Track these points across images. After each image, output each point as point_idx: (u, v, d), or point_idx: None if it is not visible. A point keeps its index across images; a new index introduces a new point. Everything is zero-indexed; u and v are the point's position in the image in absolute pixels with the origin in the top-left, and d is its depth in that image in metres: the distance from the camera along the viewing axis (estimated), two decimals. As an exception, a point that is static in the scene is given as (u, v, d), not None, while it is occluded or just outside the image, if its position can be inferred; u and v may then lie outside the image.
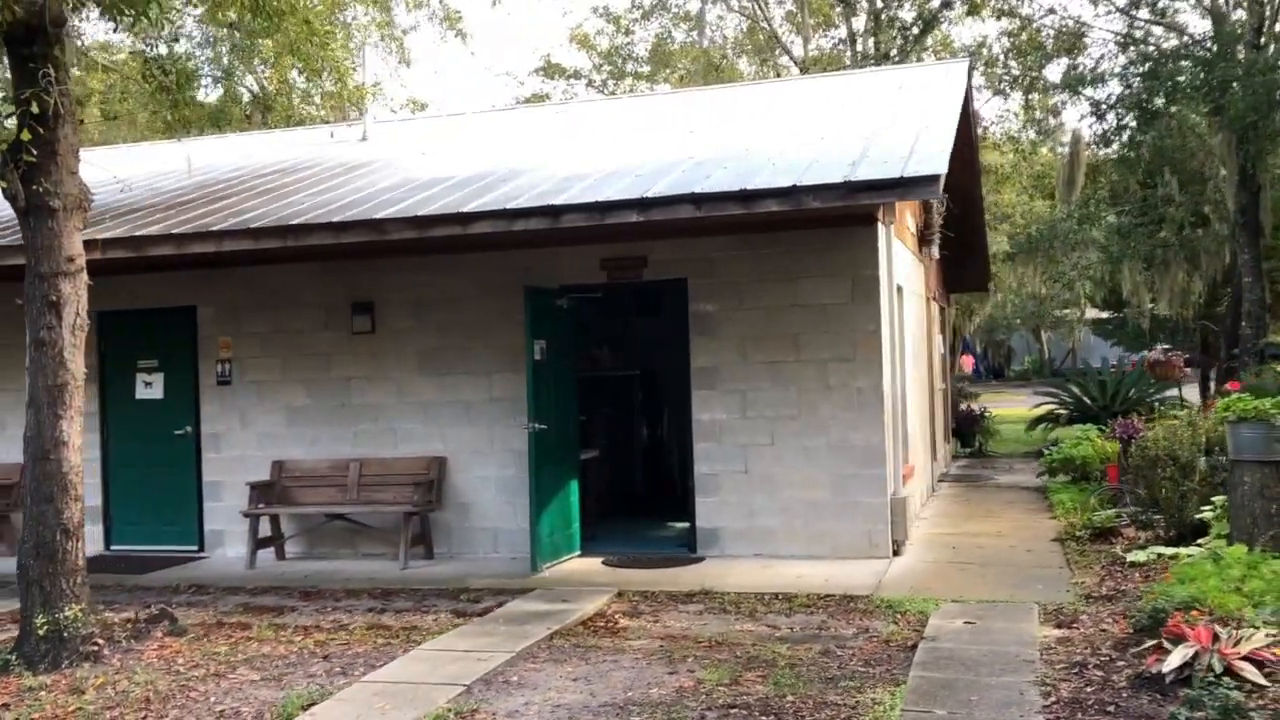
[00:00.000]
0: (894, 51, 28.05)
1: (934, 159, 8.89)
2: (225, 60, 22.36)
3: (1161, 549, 9.79)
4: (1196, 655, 6.52)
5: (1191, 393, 20.46)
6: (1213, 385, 22.43)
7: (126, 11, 8.83)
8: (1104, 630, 7.90)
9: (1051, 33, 24.90)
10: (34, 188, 8.03)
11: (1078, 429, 16.43)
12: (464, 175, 11.50)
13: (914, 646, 7.67)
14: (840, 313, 10.63)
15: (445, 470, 11.77)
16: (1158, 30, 23.64)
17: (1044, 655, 7.34)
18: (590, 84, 35.57)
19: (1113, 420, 13.30)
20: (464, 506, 11.73)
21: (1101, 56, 22.81)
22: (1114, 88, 21.64)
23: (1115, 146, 22.27)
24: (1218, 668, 6.31)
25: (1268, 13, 20.64)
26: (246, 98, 24.14)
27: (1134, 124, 21.12)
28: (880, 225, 10.39)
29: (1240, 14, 21.00)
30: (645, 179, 9.98)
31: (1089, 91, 22.17)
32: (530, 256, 11.36)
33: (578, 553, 11.27)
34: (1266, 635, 6.84)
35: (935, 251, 15.43)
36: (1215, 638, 6.65)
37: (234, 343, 12.52)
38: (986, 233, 20.17)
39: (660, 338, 12.24)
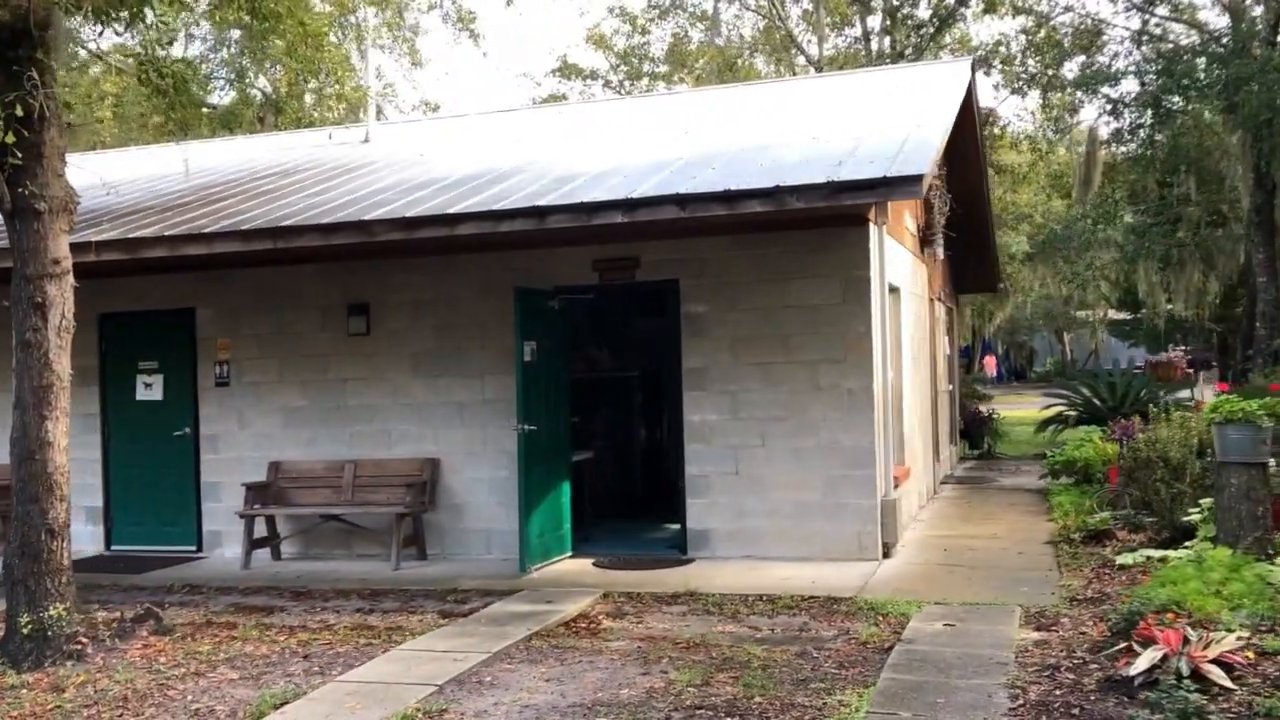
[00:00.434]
0: (909, 50, 27.94)
1: (919, 159, 8.87)
2: (239, 62, 22.49)
3: (1151, 551, 9.73)
4: (1165, 658, 6.49)
5: (1208, 394, 20.31)
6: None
7: (116, 15, 8.89)
8: (1083, 633, 7.86)
9: (1069, 31, 24.74)
10: (19, 190, 8.13)
11: (1083, 431, 16.31)
12: (458, 176, 11.55)
13: (890, 648, 7.66)
14: (831, 314, 10.61)
15: (439, 471, 11.82)
16: (1178, 27, 23.48)
17: (1019, 658, 7.31)
18: (607, 84, 35.62)
19: (1113, 422, 13.21)
20: (457, 508, 11.78)
21: (1115, 54, 22.69)
22: (1129, 85, 21.53)
23: (1130, 145, 22.12)
24: (1184, 671, 6.28)
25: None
26: (260, 100, 24.27)
27: (1149, 122, 20.95)
28: (872, 226, 10.35)
29: (1259, 10, 20.80)
30: (633, 180, 10.00)
31: (1105, 89, 22.01)
32: (524, 258, 11.41)
33: (569, 554, 11.30)
34: (1237, 638, 6.81)
35: (939, 252, 15.37)
36: (1185, 641, 6.62)
37: (232, 344, 12.62)
38: (994, 233, 20.06)
39: (661, 338, 12.25)
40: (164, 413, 12.96)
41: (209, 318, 12.72)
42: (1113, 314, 37.93)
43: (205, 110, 21.04)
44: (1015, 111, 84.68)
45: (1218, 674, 6.29)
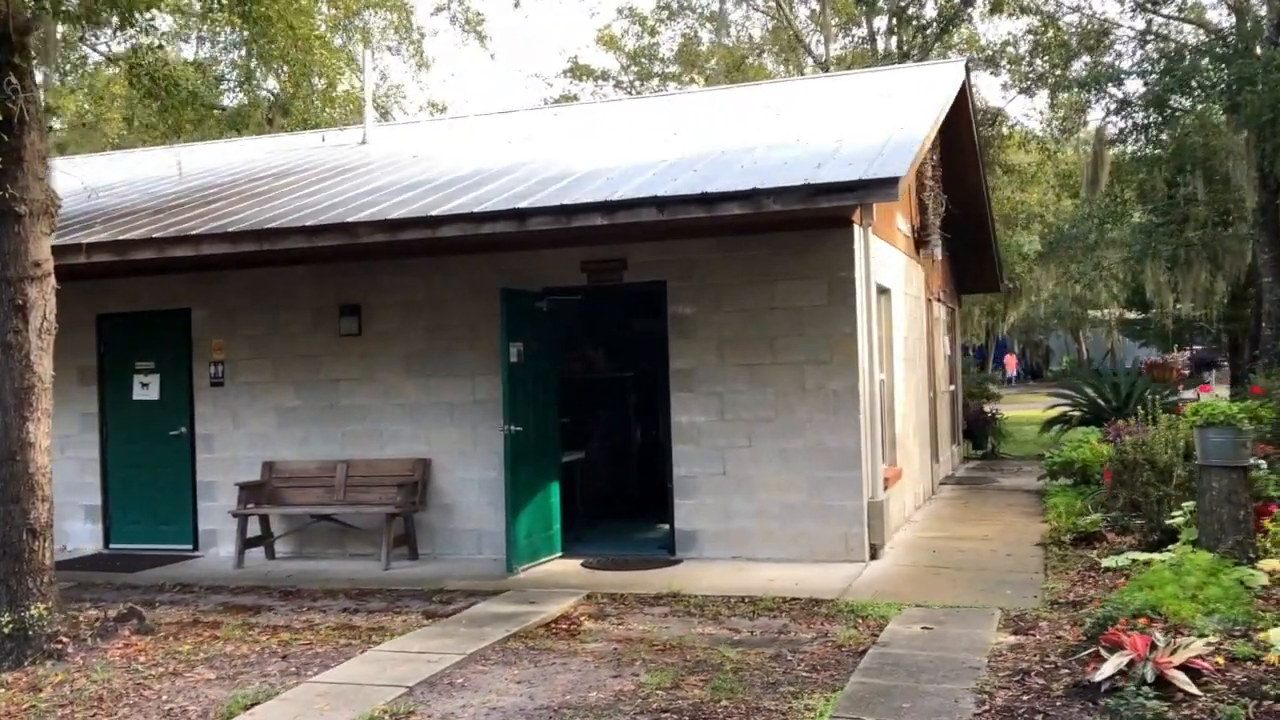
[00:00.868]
0: (914, 51, 27.86)
1: (897, 162, 8.86)
2: (246, 64, 22.58)
3: (1136, 554, 9.68)
4: (1131, 664, 6.47)
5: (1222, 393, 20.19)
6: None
7: (101, 19, 8.97)
8: (1059, 637, 7.83)
9: (1076, 31, 24.62)
10: (0, 194, 8.19)
11: (1080, 432, 16.24)
12: (449, 178, 11.60)
13: (864, 651, 7.66)
14: (816, 315, 10.61)
15: (430, 472, 11.86)
16: (1186, 27, 23.32)
17: (992, 662, 7.30)
18: (618, 85, 35.65)
19: (1108, 423, 13.14)
20: (448, 508, 11.82)
21: (1119, 54, 22.57)
22: (1132, 85, 21.41)
23: (1134, 145, 22.00)
24: (1149, 677, 6.26)
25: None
26: (268, 102, 24.37)
27: (1152, 121, 20.84)
28: (857, 227, 10.33)
29: (1263, 10, 20.64)
30: (616, 181, 10.03)
31: (1111, 89, 21.88)
32: (513, 259, 11.44)
33: (559, 554, 11.32)
34: (1206, 644, 6.78)
35: (937, 253, 15.34)
36: (1153, 646, 6.59)
37: (227, 345, 12.69)
38: (996, 233, 20.00)
39: (657, 339, 12.24)
40: (160, 412, 13.05)
41: (204, 318, 12.80)
42: (1124, 313, 37.72)
43: (216, 112, 21.18)
44: (1024, 111, 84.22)
45: (1182, 680, 6.26)
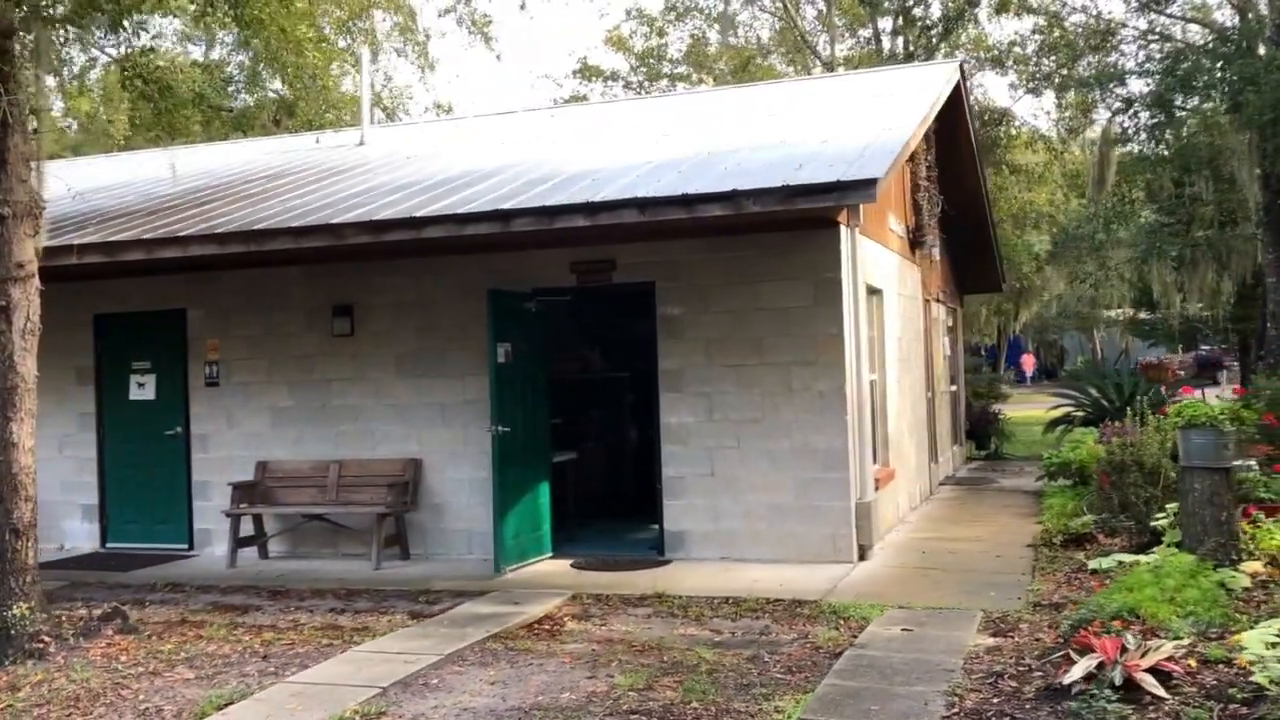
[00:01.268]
0: (919, 51, 27.80)
1: (876, 164, 8.85)
2: (252, 66, 22.72)
3: (1122, 556, 9.63)
4: (1101, 666, 6.45)
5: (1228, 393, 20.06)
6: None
7: (87, 22, 9.02)
8: (1038, 639, 7.81)
9: (1081, 30, 24.52)
10: (-17, 196, 8.26)
11: (1080, 432, 16.17)
12: (439, 179, 11.65)
13: (841, 653, 7.65)
14: (802, 316, 10.60)
15: (421, 472, 11.90)
16: (1190, 26, 23.20)
17: (967, 664, 7.28)
18: (627, 85, 35.69)
19: (1103, 424, 13.09)
20: (439, 508, 11.86)
21: (1123, 54, 22.47)
22: (1135, 85, 21.32)
23: (1138, 145, 21.92)
24: (1117, 680, 6.23)
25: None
26: (275, 103, 24.45)
27: (1154, 121, 20.75)
28: (843, 228, 10.31)
29: (1264, 8, 20.51)
30: (601, 183, 10.05)
31: (1115, 88, 21.78)
32: (503, 260, 11.47)
33: (549, 554, 11.33)
34: (1176, 646, 6.75)
35: (935, 253, 15.31)
36: (1123, 649, 6.57)
37: (222, 345, 12.75)
38: (996, 233, 19.94)
39: (651, 339, 12.24)
40: (156, 412, 13.13)
41: (199, 319, 12.86)
42: (1136, 314, 37.56)
43: (224, 113, 21.30)
44: (1031, 112, 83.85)
45: (1150, 683, 6.23)
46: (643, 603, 9.43)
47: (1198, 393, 17.95)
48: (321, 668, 7.79)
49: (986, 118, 27.71)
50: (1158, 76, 20.31)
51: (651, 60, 35.15)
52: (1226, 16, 23.10)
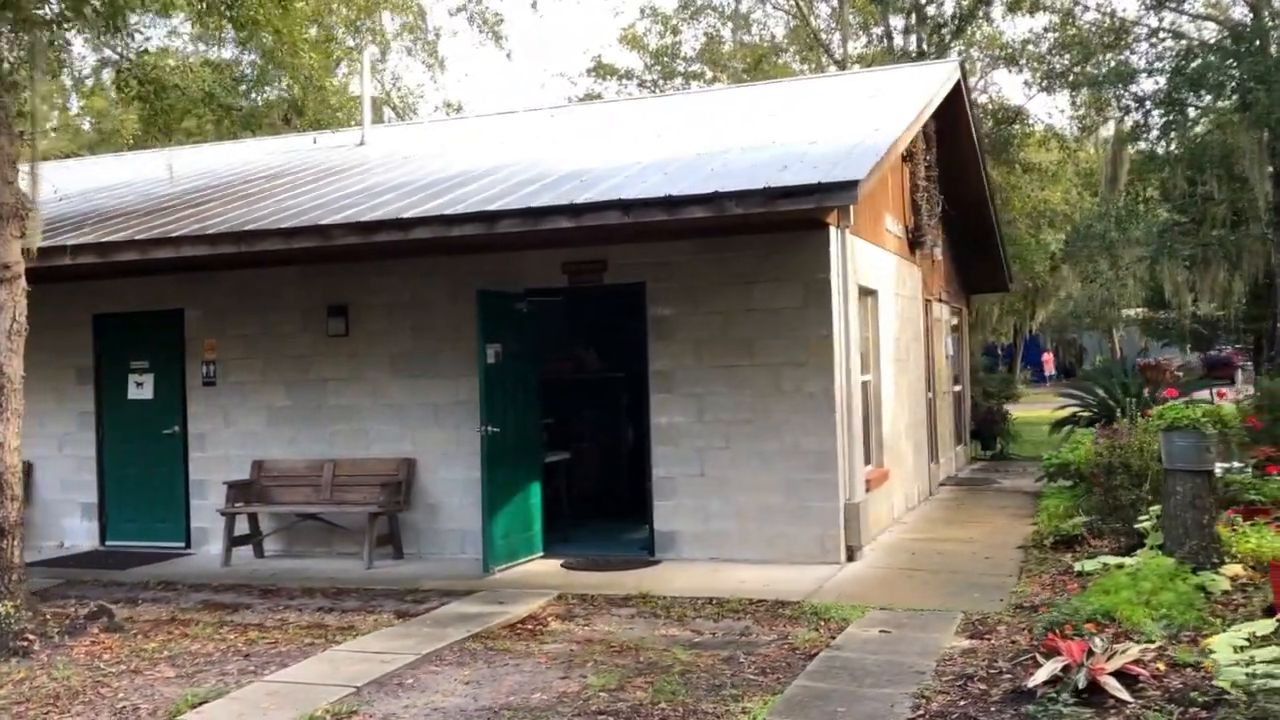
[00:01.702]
0: (931, 50, 27.70)
1: (858, 165, 8.84)
2: (260, 65, 22.83)
3: (1108, 558, 9.59)
4: (1067, 669, 6.44)
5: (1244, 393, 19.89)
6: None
7: (72, 23, 9.10)
8: (1014, 642, 7.79)
9: (1094, 28, 24.40)
10: (-32, 198, 8.35)
11: (1080, 433, 16.07)
12: (432, 179, 11.71)
13: (816, 654, 7.65)
14: (792, 317, 10.60)
15: (414, 471, 11.95)
16: (1207, 25, 23.05)
17: (940, 666, 7.28)
18: (642, 84, 35.71)
19: (1099, 426, 13.03)
20: (433, 507, 11.91)
21: (1134, 53, 22.36)
22: (1146, 83, 21.20)
23: (1149, 143, 21.82)
24: (1081, 683, 6.23)
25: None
26: (286, 102, 24.58)
27: (1166, 120, 20.64)
28: (833, 229, 10.30)
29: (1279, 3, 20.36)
30: (589, 183, 10.08)
31: (1130, 88, 21.65)
32: (496, 260, 11.51)
33: (539, 554, 11.37)
34: (1142, 649, 6.75)
35: (936, 253, 15.27)
36: (1089, 652, 6.56)
37: (219, 345, 12.84)
38: (1001, 233, 19.86)
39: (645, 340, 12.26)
40: (154, 411, 13.23)
41: (197, 319, 12.95)
42: (1153, 314, 37.34)
43: (234, 112, 21.38)
44: (1046, 110, 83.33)
45: (1114, 686, 6.24)
46: (627, 603, 9.45)
47: (1203, 393, 17.85)
48: (300, 666, 7.85)
49: (1000, 116, 27.62)
50: (1168, 75, 20.16)
51: (666, 58, 35.15)
52: (1242, 13, 22.93)
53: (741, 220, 9.40)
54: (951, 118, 14.95)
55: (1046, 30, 26.29)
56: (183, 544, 13.00)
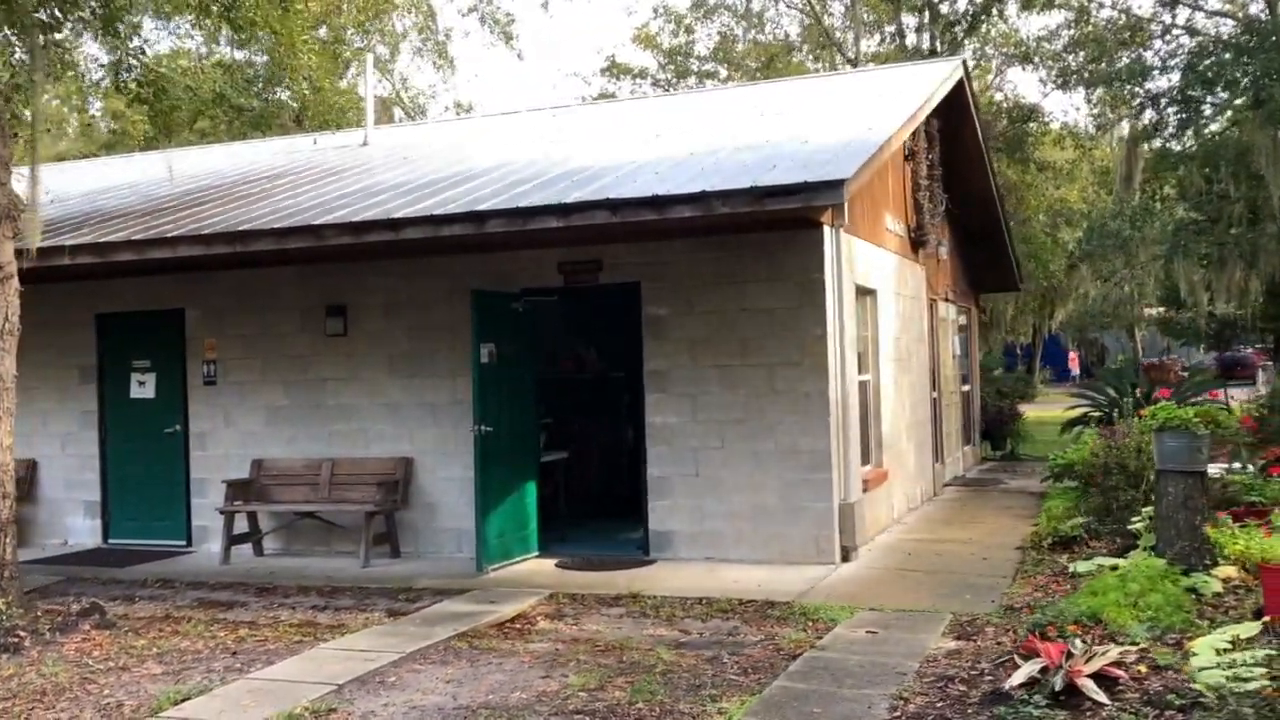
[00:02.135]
0: (944, 48, 27.62)
1: (845, 164, 8.81)
2: (269, 66, 22.95)
3: (1104, 559, 9.54)
4: (1045, 671, 6.41)
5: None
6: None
7: (63, 23, 9.15)
8: (999, 644, 7.75)
9: (1109, 26, 24.26)
10: (-40, 199, 8.42)
11: (1088, 433, 15.96)
12: (427, 179, 11.74)
13: (799, 655, 7.63)
14: (787, 317, 10.57)
15: (412, 471, 11.99)
16: (1214, 21, 22.89)
17: (923, 667, 7.24)
18: (656, 83, 35.77)
19: (1102, 426, 12.95)
20: (430, 506, 11.94)
21: (1151, 50, 22.19)
22: (1160, 81, 21.04)
23: (1163, 141, 21.67)
24: (1058, 685, 6.21)
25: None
26: (295, 103, 24.71)
27: (1181, 118, 20.48)
28: (827, 229, 10.27)
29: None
30: (581, 183, 10.08)
31: (1144, 85, 21.48)
32: (492, 260, 11.53)
33: (535, 554, 11.38)
34: (1122, 651, 6.71)
35: (941, 252, 15.21)
36: (1068, 654, 6.53)
37: (219, 344, 12.91)
38: (1010, 232, 19.76)
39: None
40: (156, 411, 13.31)
41: (197, 318, 13.03)
42: (1173, 313, 37.07)
43: (246, 112, 21.50)
44: (1062, 108, 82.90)
45: (1091, 688, 6.21)
46: (617, 602, 9.45)
47: (1219, 392, 17.72)
48: (285, 664, 7.87)
49: (1015, 114, 27.49)
50: (1181, 72, 20.01)
51: (680, 57, 35.19)
52: (1259, 9, 22.73)
53: (731, 219, 9.39)
54: (956, 116, 14.88)
55: (1061, 27, 26.21)
56: (184, 542, 13.08)
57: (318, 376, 12.42)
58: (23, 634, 8.41)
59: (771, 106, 13.73)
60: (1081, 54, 25.09)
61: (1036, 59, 26.88)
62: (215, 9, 11.07)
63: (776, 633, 8.34)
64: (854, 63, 29.57)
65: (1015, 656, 6.76)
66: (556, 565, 11.06)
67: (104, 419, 13.54)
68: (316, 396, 12.42)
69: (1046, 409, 26.27)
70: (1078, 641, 6.80)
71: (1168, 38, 22.39)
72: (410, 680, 7.36)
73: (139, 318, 13.29)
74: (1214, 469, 10.91)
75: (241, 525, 12.31)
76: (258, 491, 12.41)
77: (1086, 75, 24.64)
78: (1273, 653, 6.56)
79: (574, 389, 14.16)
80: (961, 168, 15.89)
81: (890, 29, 30.85)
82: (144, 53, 11.49)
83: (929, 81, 13.21)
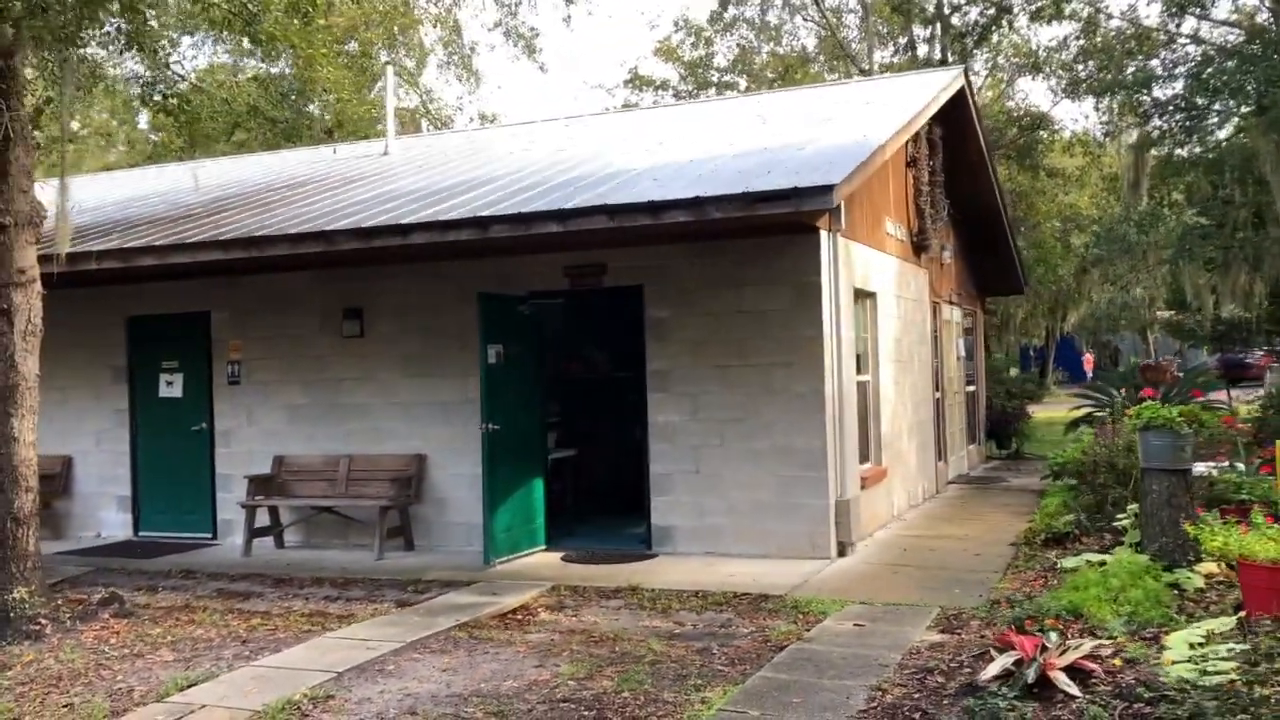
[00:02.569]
0: (954, 57, 27.79)
1: (836, 170, 9.08)
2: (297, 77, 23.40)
3: (1091, 555, 9.75)
4: (1019, 664, 6.62)
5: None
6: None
7: (82, 40, 9.52)
8: (983, 637, 7.95)
9: (1117, 35, 24.36)
10: (-14, 207, 8.82)
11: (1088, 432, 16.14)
12: (438, 186, 12.10)
13: (785, 647, 7.89)
14: (782, 319, 10.85)
15: (425, 467, 12.34)
16: (1219, 30, 22.91)
17: (904, 660, 7.46)
18: (677, 94, 36.17)
19: (1099, 426, 13.14)
20: (442, 502, 12.29)
21: (1155, 58, 22.25)
22: (1165, 90, 21.11)
23: (1166, 147, 21.73)
24: (1031, 678, 6.38)
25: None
26: (324, 114, 25.16)
27: (1184, 125, 20.55)
28: (824, 232, 10.54)
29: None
30: (583, 189, 10.40)
31: (1149, 94, 21.55)
32: (501, 264, 11.87)
33: (542, 547, 11.71)
34: (1096, 645, 6.93)
35: (945, 256, 15.42)
36: (1043, 648, 6.74)
37: (243, 345, 13.34)
38: (1014, 237, 19.94)
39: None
40: (183, 409, 13.76)
41: (222, 320, 13.45)
42: (1178, 316, 37.00)
43: (280, 124, 21.95)
44: (1073, 116, 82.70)
45: (1064, 681, 6.38)
46: (617, 595, 9.75)
47: (1219, 394, 17.79)
48: (290, 652, 8.21)
49: (1025, 122, 27.63)
50: (1185, 80, 20.09)
51: (700, 69, 35.60)
52: (1265, 19, 22.75)
53: (725, 224, 9.66)
54: (958, 123, 15.11)
55: (1069, 37, 26.31)
56: (210, 535, 13.50)
57: (335, 376, 12.80)
58: (44, 622, 8.80)
59: (774, 115, 14.01)
60: (1091, 63, 25.20)
61: (1046, 69, 27.03)
62: (237, 24, 11.41)
63: (767, 625, 8.59)
64: (867, 73, 29.81)
65: (991, 650, 6.99)
66: (562, 559, 11.38)
67: (134, 417, 14.00)
68: (334, 396, 12.80)
69: (1056, 410, 26.39)
70: (1053, 635, 7.00)
71: (1173, 47, 22.44)
72: (408, 669, 7.68)
73: (167, 320, 13.74)
74: (1210, 467, 11.10)
75: (263, 519, 12.72)
76: (279, 487, 12.81)
77: (1095, 84, 24.70)
78: (1245, 646, 6.76)
79: (583, 389, 14.50)
80: (965, 174, 16.11)
81: (902, 40, 31.04)
82: (168, 67, 11.85)
83: (927, 90, 13.44)
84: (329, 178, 14.69)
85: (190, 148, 16.88)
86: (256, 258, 11.28)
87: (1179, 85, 20.42)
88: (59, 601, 9.25)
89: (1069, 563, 9.78)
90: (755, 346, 10.98)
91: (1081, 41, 25.84)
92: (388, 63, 19.80)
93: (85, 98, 15.15)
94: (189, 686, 7.40)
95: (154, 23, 10.46)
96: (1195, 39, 22.72)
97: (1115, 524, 9.86)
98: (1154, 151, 22.46)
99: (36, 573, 9.00)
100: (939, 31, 28.81)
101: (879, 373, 12.71)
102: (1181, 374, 13.94)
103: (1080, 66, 25.83)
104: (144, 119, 30.88)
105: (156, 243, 11.32)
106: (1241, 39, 21.54)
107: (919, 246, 14.46)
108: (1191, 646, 6.87)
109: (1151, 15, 38.66)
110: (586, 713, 6.62)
